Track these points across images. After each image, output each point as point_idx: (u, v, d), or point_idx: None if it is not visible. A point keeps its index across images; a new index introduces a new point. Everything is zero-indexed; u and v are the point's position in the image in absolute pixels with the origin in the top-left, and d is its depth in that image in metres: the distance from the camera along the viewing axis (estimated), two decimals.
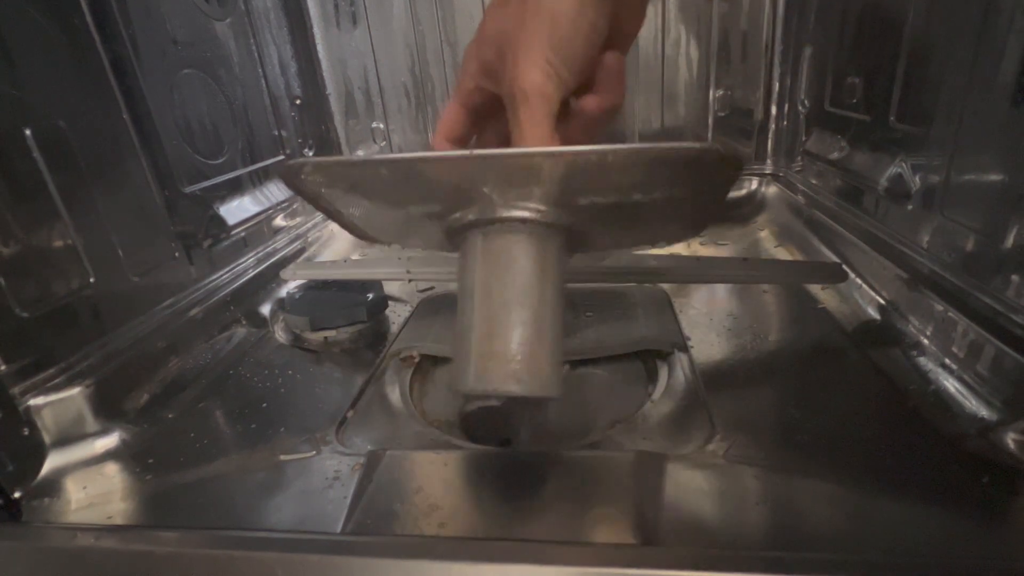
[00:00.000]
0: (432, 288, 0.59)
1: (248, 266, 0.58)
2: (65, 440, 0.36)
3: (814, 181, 0.63)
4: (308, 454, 0.35)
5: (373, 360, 0.46)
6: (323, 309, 0.51)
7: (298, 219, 0.70)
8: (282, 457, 0.35)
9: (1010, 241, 0.34)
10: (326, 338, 0.50)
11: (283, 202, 0.66)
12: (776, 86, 0.69)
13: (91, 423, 0.37)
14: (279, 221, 0.66)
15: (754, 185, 0.73)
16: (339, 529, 0.29)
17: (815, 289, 0.50)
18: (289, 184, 0.32)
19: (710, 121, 0.72)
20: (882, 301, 0.45)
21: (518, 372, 0.28)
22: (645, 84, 0.71)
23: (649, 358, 0.44)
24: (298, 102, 0.73)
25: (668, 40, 0.69)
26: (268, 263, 0.61)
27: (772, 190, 0.71)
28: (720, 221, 0.69)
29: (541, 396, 0.28)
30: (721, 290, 0.53)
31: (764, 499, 0.29)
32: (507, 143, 0.32)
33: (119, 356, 0.41)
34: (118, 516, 0.32)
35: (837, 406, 0.36)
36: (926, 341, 0.39)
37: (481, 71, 0.33)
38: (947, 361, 0.36)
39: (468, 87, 0.34)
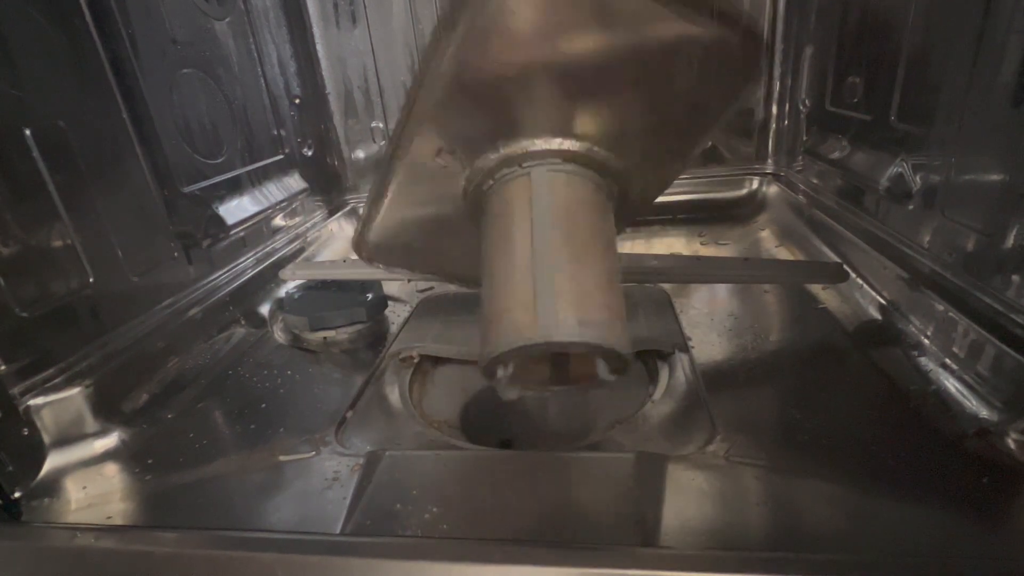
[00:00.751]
0: (432, 288, 0.59)
1: (247, 266, 0.58)
2: (65, 440, 0.36)
3: (815, 181, 0.63)
4: (307, 454, 0.35)
5: (372, 360, 0.46)
6: (322, 309, 0.50)
7: (297, 219, 0.70)
8: (281, 458, 0.35)
9: (1011, 241, 0.34)
10: (325, 338, 0.50)
11: (282, 202, 0.66)
12: (777, 85, 0.69)
13: (90, 423, 0.37)
14: (278, 221, 0.66)
15: (755, 185, 0.73)
16: (338, 530, 0.29)
17: (816, 289, 0.50)
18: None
19: None
20: (883, 301, 0.45)
21: (606, 321, 0.24)
22: None
23: (650, 358, 0.44)
24: (297, 101, 0.72)
25: None
26: (267, 263, 0.60)
27: (773, 190, 0.71)
28: (722, 220, 0.69)
29: (614, 352, 0.25)
30: (722, 290, 0.53)
31: (765, 500, 0.29)
32: None
33: (118, 356, 0.41)
34: (117, 516, 0.32)
35: (838, 406, 0.36)
36: (927, 341, 0.39)
37: None
38: (948, 361, 0.36)
39: None
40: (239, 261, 0.58)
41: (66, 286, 0.39)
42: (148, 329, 0.44)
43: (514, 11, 0.26)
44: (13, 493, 0.32)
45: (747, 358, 0.42)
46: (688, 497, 0.29)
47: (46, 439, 0.35)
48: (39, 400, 0.35)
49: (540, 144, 0.29)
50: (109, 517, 0.32)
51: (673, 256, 0.57)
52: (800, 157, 0.68)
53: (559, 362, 0.30)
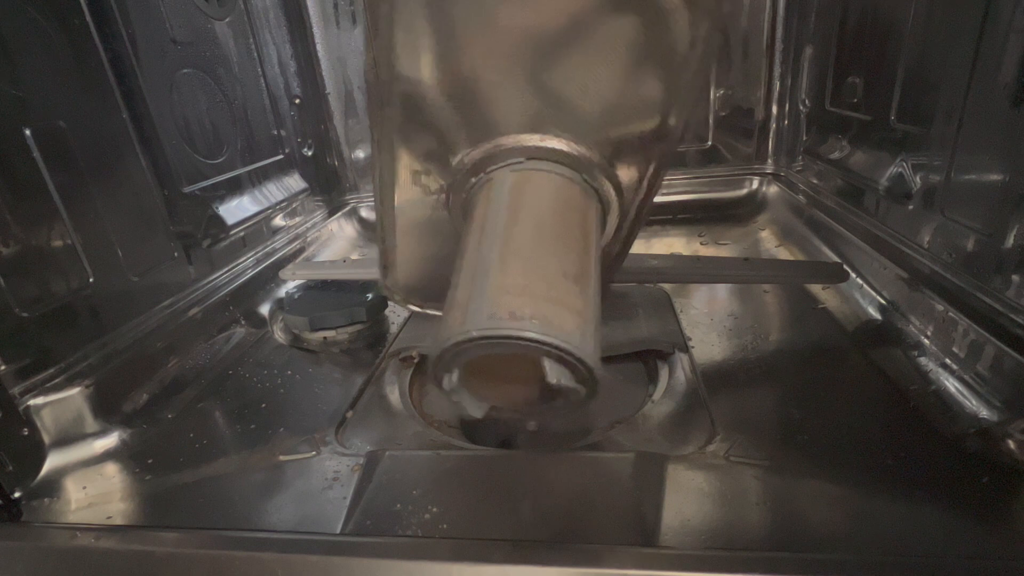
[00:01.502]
0: None
1: (247, 266, 0.58)
2: (65, 440, 0.36)
3: (815, 181, 0.63)
4: (308, 454, 0.35)
5: (372, 360, 0.46)
6: (322, 309, 0.50)
7: (297, 219, 0.70)
8: (281, 457, 0.35)
9: (1010, 241, 0.34)
10: (325, 338, 0.50)
11: (282, 202, 0.66)
12: (777, 85, 0.69)
13: (91, 423, 0.37)
14: (278, 221, 0.66)
15: (755, 185, 0.73)
16: (339, 530, 0.29)
17: (816, 289, 0.50)
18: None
19: (711, 120, 0.72)
20: (883, 301, 0.45)
21: (550, 314, 0.22)
22: None
23: (650, 358, 0.44)
24: (297, 101, 0.73)
25: None
26: (267, 263, 0.60)
27: (773, 190, 0.71)
28: (722, 220, 0.69)
29: (572, 355, 0.22)
30: (722, 290, 0.53)
31: (765, 500, 0.29)
32: None
33: (118, 356, 0.41)
34: (118, 516, 0.32)
35: (838, 406, 0.36)
36: (927, 341, 0.39)
37: None
38: (947, 361, 0.36)
39: None
40: (239, 261, 0.58)
41: (66, 286, 0.39)
42: (148, 329, 0.44)
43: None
44: (13, 493, 0.32)
45: (747, 358, 0.42)
46: (688, 497, 0.29)
47: (46, 439, 0.35)
48: (39, 400, 0.35)
49: (507, 143, 0.26)
50: (109, 517, 0.32)
51: (673, 256, 0.57)
52: (800, 157, 0.68)
53: (533, 380, 0.26)
